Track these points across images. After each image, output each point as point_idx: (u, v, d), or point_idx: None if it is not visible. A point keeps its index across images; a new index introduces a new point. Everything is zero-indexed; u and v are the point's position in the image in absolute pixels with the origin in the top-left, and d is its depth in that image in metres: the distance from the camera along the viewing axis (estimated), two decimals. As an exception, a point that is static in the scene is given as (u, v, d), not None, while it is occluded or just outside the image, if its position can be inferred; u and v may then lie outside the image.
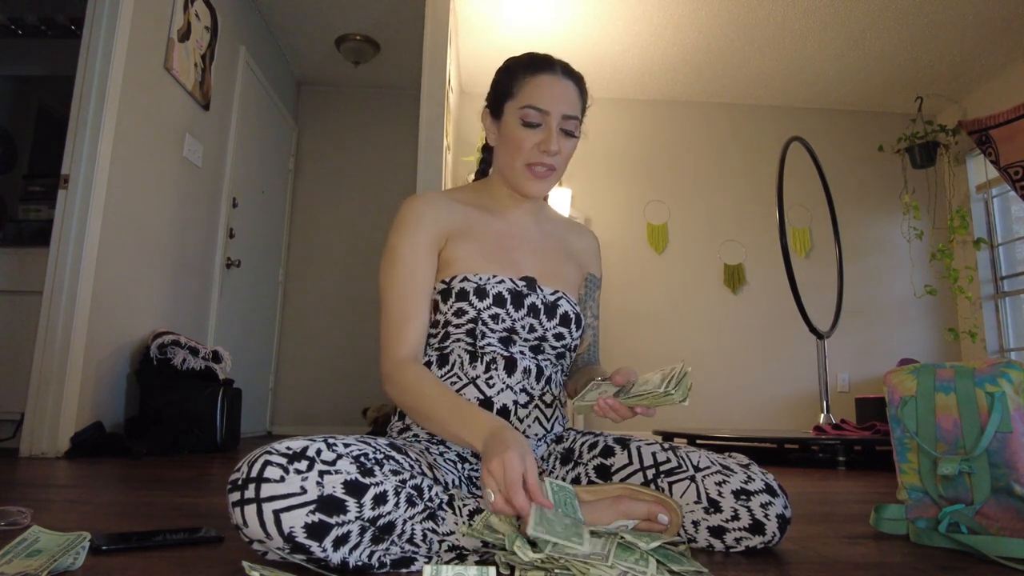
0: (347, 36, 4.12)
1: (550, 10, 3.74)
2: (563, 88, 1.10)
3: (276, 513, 0.73)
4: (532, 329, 1.08)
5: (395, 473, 0.81)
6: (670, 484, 0.97)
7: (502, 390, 1.05)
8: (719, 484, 0.94)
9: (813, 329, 3.37)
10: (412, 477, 0.83)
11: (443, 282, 1.08)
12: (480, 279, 1.07)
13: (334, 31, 4.10)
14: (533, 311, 1.09)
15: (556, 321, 1.10)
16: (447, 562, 0.80)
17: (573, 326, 1.12)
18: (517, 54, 1.17)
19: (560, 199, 4.17)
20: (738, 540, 0.93)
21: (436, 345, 1.09)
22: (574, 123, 1.11)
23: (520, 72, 1.12)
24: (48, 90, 3.75)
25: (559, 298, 1.12)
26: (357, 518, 0.76)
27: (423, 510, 0.81)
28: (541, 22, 3.85)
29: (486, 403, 1.04)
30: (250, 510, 0.73)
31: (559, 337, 1.11)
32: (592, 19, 3.82)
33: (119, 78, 2.52)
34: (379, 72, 4.52)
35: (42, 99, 3.76)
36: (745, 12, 3.72)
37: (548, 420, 1.10)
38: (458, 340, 1.07)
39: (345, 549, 0.75)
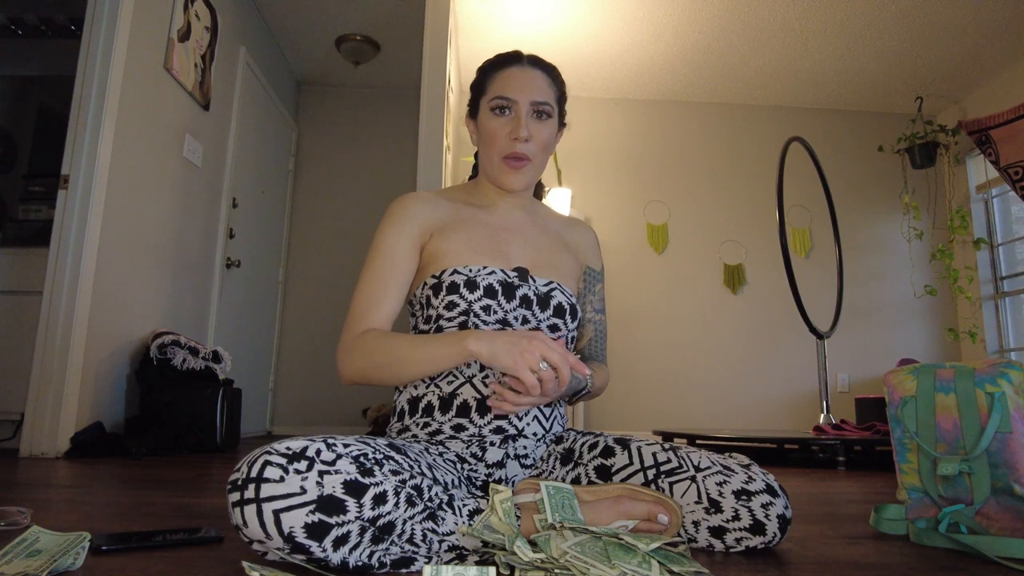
0: (347, 36, 4.12)
1: (550, 10, 3.74)
2: (529, 76, 1.13)
3: (276, 513, 0.73)
4: (525, 321, 1.09)
5: (395, 473, 0.81)
6: (671, 484, 0.97)
7: None
8: (720, 484, 0.94)
9: (813, 329, 3.37)
10: (412, 477, 0.83)
11: (433, 276, 1.10)
12: (470, 271, 1.08)
13: (334, 31, 4.10)
14: (525, 302, 1.09)
15: (550, 312, 1.10)
16: (447, 562, 0.80)
17: (568, 317, 1.12)
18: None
19: (560, 199, 4.17)
20: (738, 540, 0.93)
21: None
22: (546, 107, 1.13)
23: (490, 70, 1.17)
24: (48, 90, 3.74)
25: (552, 289, 1.12)
26: (357, 518, 0.76)
27: (423, 510, 0.81)
28: (541, 22, 3.85)
29: (483, 402, 1.04)
30: (250, 510, 0.73)
31: (554, 328, 1.11)
32: (592, 19, 3.82)
33: (119, 78, 2.52)
34: (379, 72, 4.52)
35: (42, 99, 3.76)
36: (745, 12, 3.72)
37: (547, 419, 1.10)
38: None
39: (345, 549, 0.75)
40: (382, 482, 0.79)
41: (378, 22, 3.99)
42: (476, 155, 1.27)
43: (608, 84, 4.54)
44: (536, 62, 1.16)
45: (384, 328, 1.08)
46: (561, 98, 1.19)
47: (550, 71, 1.17)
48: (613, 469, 1.02)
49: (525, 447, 1.07)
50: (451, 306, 1.07)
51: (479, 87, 1.17)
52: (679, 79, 4.50)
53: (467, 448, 1.04)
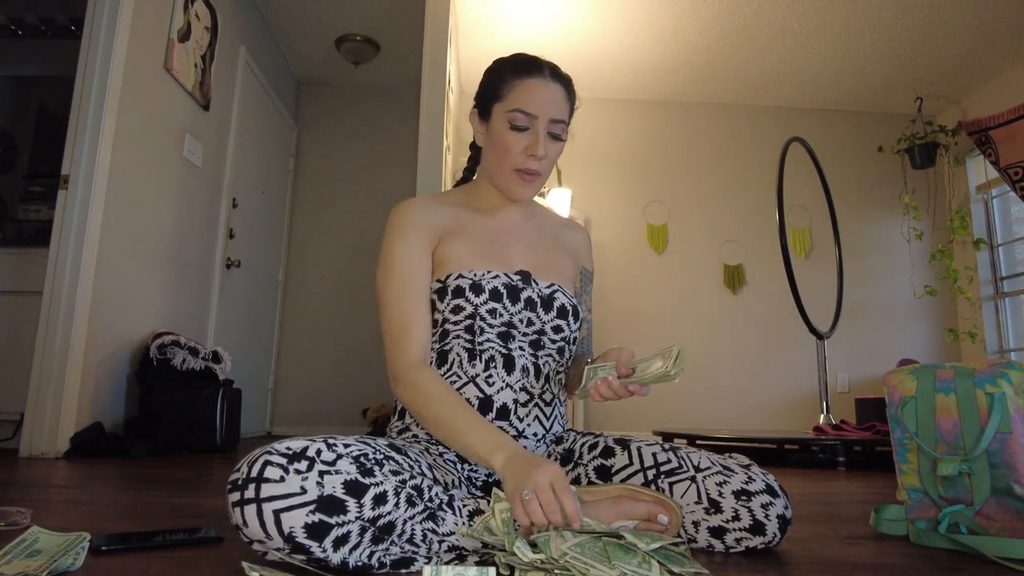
0: (347, 36, 4.12)
1: (550, 10, 3.74)
2: (551, 92, 1.10)
3: (276, 513, 0.73)
4: (530, 323, 1.09)
5: (395, 473, 0.81)
6: (671, 484, 0.97)
7: (501, 388, 1.05)
8: (720, 484, 0.94)
9: (813, 330, 3.37)
10: (412, 477, 0.83)
11: (438, 281, 1.09)
12: (475, 275, 1.07)
13: (334, 31, 4.10)
14: (530, 304, 1.10)
15: (553, 314, 1.11)
16: (447, 562, 0.80)
17: (571, 318, 1.13)
18: (507, 55, 1.17)
19: (560, 199, 4.17)
20: (738, 540, 0.93)
21: (436, 346, 1.09)
22: (561, 127, 1.11)
23: (508, 74, 1.12)
24: (48, 90, 3.74)
25: (555, 291, 1.13)
26: (357, 518, 0.76)
27: (423, 510, 0.81)
28: (541, 22, 3.85)
29: (486, 401, 1.04)
30: (250, 510, 0.73)
31: (558, 330, 1.11)
32: (592, 19, 3.82)
33: (119, 78, 2.52)
34: (379, 72, 4.52)
35: (42, 99, 3.76)
36: (745, 13, 3.72)
37: (548, 419, 1.10)
38: (457, 337, 1.07)
39: (345, 549, 0.75)
40: (382, 482, 0.79)
41: (378, 22, 3.99)
42: (471, 147, 1.26)
43: (608, 85, 4.54)
44: (556, 74, 1.13)
45: (426, 344, 1.06)
46: (572, 111, 1.17)
47: (568, 85, 1.14)
48: (613, 469, 1.02)
49: (525, 447, 1.07)
50: (457, 310, 1.06)
51: (494, 90, 1.12)
52: (679, 80, 4.50)
53: (467, 448, 1.04)
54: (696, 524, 0.94)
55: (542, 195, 4.14)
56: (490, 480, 1.05)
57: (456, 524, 0.82)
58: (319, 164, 4.67)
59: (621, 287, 4.42)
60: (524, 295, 1.10)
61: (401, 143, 4.56)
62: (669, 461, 0.99)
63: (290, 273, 4.53)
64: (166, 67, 2.86)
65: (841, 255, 3.82)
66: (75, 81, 2.48)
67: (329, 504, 0.75)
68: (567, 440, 1.12)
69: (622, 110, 4.73)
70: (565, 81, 1.14)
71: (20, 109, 3.72)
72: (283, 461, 0.75)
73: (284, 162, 4.50)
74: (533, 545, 0.78)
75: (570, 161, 4.45)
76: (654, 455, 1.01)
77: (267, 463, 0.75)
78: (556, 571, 0.73)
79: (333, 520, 0.74)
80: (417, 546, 0.79)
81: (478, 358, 1.05)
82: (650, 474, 0.99)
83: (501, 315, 1.07)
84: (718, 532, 0.93)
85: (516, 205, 1.21)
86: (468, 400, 1.04)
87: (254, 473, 0.74)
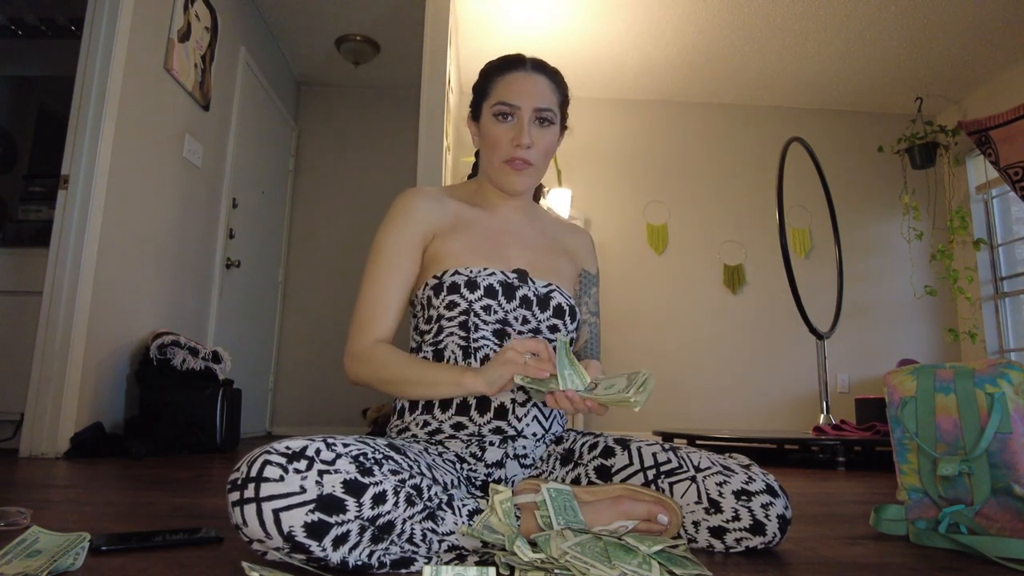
0: (347, 36, 4.12)
1: (550, 11, 3.74)
2: (533, 83, 1.13)
3: (276, 512, 0.73)
4: (525, 321, 1.10)
5: (394, 473, 0.81)
6: (671, 484, 0.97)
7: None
8: (720, 484, 0.94)
9: (813, 330, 3.37)
10: (411, 477, 0.83)
11: (435, 277, 1.11)
12: (471, 272, 1.09)
13: (334, 31, 4.10)
14: (525, 303, 1.10)
15: (549, 313, 1.11)
16: (447, 562, 0.80)
17: (567, 318, 1.13)
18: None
19: (560, 199, 4.17)
20: (738, 540, 0.93)
21: (431, 340, 1.10)
22: (548, 115, 1.14)
23: (493, 73, 1.16)
24: (48, 90, 3.74)
25: (552, 290, 1.13)
26: (356, 517, 0.76)
27: (422, 510, 0.81)
28: (541, 22, 3.85)
29: (483, 400, 1.04)
30: (249, 509, 0.73)
31: (554, 329, 1.12)
32: (592, 20, 3.82)
33: (119, 78, 2.52)
34: (379, 72, 4.52)
35: (42, 99, 3.76)
36: (745, 13, 3.72)
37: (546, 419, 1.10)
38: (451, 334, 1.08)
39: (345, 549, 0.75)
40: (381, 481, 0.79)
41: (378, 22, 3.99)
42: (477, 154, 1.28)
43: (608, 85, 4.54)
44: (540, 67, 1.16)
45: (389, 335, 1.10)
46: (564, 103, 1.19)
47: (553, 76, 1.17)
48: (613, 469, 1.02)
49: (524, 447, 1.07)
50: (452, 306, 1.07)
51: (482, 90, 1.17)
52: (679, 80, 4.50)
53: (466, 448, 1.04)
54: (696, 524, 0.94)
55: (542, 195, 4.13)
56: (489, 480, 1.05)
57: (456, 524, 0.82)
58: (319, 164, 4.67)
59: (621, 287, 4.42)
60: (520, 293, 1.10)
61: (401, 143, 4.56)
62: (669, 461, 0.99)
63: (290, 273, 4.53)
64: (166, 67, 2.86)
65: (841, 255, 3.82)
66: (75, 81, 2.48)
67: (328, 503, 0.75)
68: (567, 440, 1.12)
69: (622, 110, 4.73)
70: (550, 72, 1.17)
71: (20, 109, 3.72)
72: (282, 460, 0.75)
73: (284, 162, 4.50)
74: (533, 544, 0.78)
75: (570, 161, 4.45)
76: (654, 455, 1.01)
77: (266, 462, 0.75)
78: (556, 571, 0.73)
79: (332, 519, 0.74)
80: (417, 546, 0.79)
81: (473, 356, 1.06)
82: (650, 474, 0.99)
83: (496, 312, 1.08)
84: (718, 532, 0.93)
85: (518, 206, 1.22)
86: (466, 399, 1.05)
87: (253, 472, 0.74)
